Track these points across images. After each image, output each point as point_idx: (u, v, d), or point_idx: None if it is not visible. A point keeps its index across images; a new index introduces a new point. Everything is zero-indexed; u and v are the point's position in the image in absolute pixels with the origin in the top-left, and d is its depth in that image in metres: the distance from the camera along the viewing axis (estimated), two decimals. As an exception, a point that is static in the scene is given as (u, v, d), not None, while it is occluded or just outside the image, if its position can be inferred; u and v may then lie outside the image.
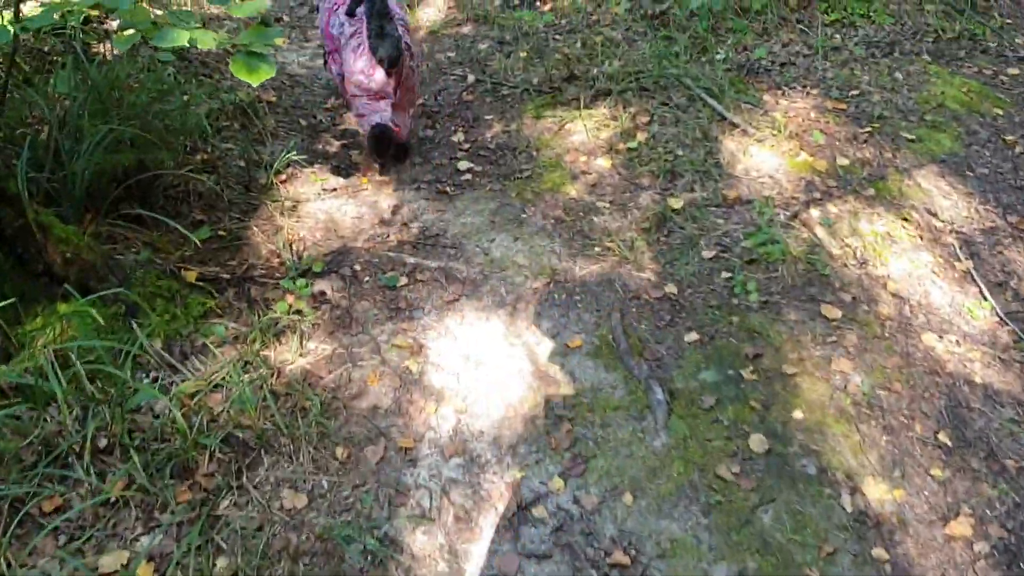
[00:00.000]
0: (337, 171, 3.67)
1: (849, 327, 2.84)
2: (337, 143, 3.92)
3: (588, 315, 2.88)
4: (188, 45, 2.43)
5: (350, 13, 3.34)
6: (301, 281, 2.89)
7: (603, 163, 3.69)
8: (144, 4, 2.62)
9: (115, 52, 3.31)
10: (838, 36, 4.87)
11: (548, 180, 3.60)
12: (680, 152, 3.74)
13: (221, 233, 3.06)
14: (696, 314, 2.88)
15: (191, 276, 2.80)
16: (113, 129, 2.73)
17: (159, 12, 2.71)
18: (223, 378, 2.49)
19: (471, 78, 4.48)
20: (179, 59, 3.97)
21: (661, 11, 4.75)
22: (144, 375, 2.47)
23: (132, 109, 2.87)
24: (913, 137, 3.91)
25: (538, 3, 5.20)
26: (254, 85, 2.55)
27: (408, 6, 5.28)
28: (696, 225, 3.30)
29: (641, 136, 3.84)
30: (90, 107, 2.82)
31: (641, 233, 3.26)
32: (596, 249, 3.17)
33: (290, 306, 2.79)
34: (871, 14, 5.12)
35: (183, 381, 2.47)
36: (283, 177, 3.49)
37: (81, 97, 2.82)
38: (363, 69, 3.28)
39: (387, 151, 3.57)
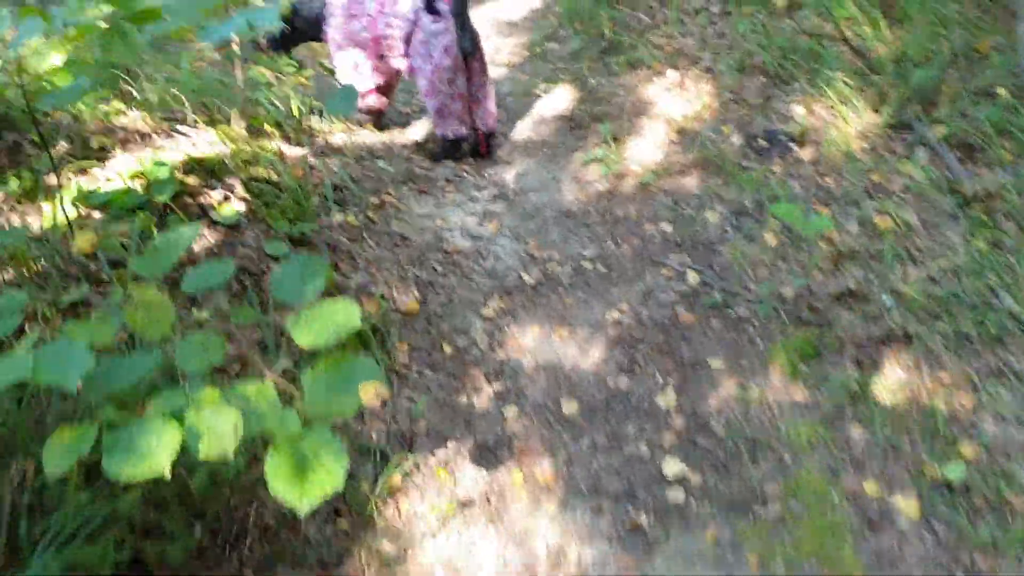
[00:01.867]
0: (480, 455, 2.46)
1: None
2: (489, 388, 2.71)
3: None
4: (179, 456, 1.29)
5: (431, 10, 3.58)
6: None
7: (905, 508, 2.24)
8: (158, 293, 1.53)
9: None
10: None
11: (810, 530, 2.20)
12: (1036, 487, 2.24)
13: (274, 627, 1.93)
14: None
15: None
16: (103, 505, 1.65)
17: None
18: None
19: (691, 278, 3.11)
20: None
21: (986, 191, 3.18)
22: None
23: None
24: None
25: (793, 145, 3.75)
26: (301, 514, 1.38)
27: (613, 139, 3.99)
28: None
29: (966, 449, 2.35)
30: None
31: None
32: None
33: None
34: None
35: None
36: (395, 480, 2.32)
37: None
38: (452, 65, 3.61)
39: (458, 154, 3.97)
